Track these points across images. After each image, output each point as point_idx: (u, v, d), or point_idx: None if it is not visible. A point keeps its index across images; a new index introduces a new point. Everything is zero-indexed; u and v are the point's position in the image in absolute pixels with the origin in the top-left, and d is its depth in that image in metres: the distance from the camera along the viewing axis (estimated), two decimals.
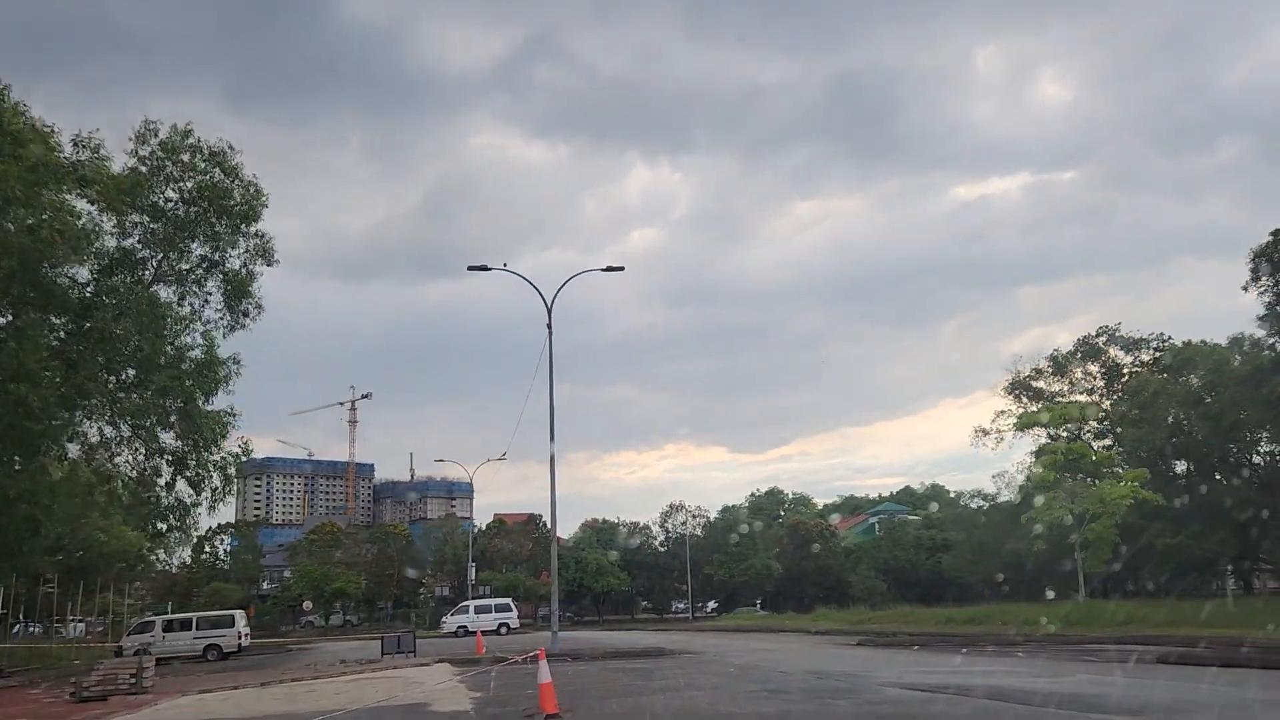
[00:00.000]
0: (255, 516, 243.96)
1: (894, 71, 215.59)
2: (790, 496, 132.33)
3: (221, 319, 33.51)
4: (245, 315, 33.80)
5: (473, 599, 62.14)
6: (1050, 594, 71.84)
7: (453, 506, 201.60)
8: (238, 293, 32.93)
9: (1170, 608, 36.98)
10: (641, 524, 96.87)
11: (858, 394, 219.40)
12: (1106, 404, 73.48)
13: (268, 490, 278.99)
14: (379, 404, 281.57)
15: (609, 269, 31.84)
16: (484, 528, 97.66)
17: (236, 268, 33.15)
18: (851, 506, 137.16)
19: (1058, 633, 32.63)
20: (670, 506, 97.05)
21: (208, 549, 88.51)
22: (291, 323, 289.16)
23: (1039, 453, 77.75)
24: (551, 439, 31.53)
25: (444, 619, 59.36)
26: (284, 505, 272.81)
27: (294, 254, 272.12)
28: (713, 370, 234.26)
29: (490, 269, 31.62)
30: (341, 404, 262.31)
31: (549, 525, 35.54)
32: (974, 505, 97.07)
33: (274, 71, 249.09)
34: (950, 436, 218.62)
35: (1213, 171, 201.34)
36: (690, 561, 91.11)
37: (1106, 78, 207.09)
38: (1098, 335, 75.81)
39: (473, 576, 62.75)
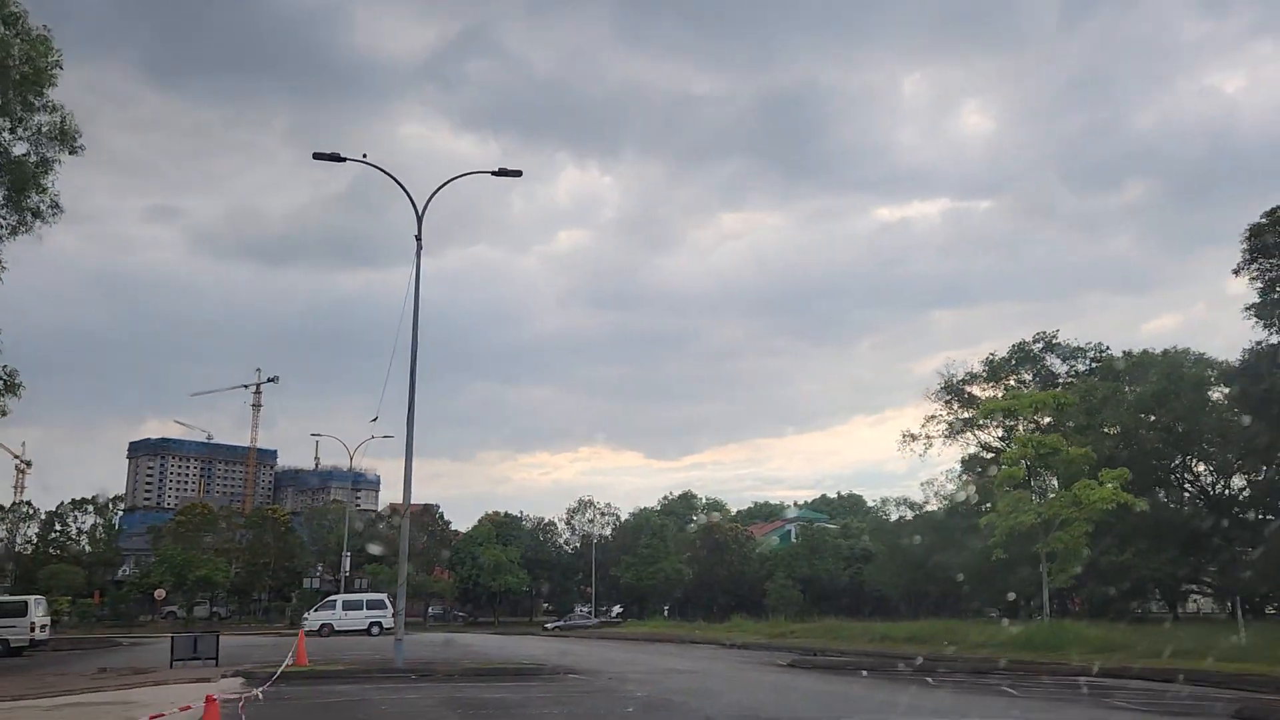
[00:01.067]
0: (146, 500, 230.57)
1: (823, 92, 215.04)
2: (704, 501, 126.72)
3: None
4: (36, 216, 26.02)
5: (343, 594, 54.40)
6: (995, 612, 67.00)
7: (358, 499, 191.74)
8: (19, 184, 25.12)
9: (1142, 632, 31.51)
10: (546, 520, 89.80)
11: (771, 406, 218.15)
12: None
13: (161, 472, 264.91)
14: (290, 392, 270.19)
15: (501, 172, 24.84)
16: (374, 516, 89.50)
17: (22, 152, 25.35)
18: (766, 514, 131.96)
19: (1029, 660, 26.72)
20: (579, 503, 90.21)
21: (58, 526, 78.78)
22: (202, 303, 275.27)
23: (969, 462, 73.32)
24: (412, 384, 24.47)
25: (305, 615, 51.57)
26: (178, 489, 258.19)
27: (209, 233, 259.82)
28: (631, 376, 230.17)
29: (345, 159, 24.47)
30: (246, 387, 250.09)
31: (404, 509, 28.23)
32: (895, 516, 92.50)
33: (198, 44, 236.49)
34: (859, 452, 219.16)
35: (1119, 210, 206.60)
36: (597, 563, 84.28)
37: (1025, 113, 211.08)
38: (1034, 341, 71.26)
39: (347, 568, 55.16)
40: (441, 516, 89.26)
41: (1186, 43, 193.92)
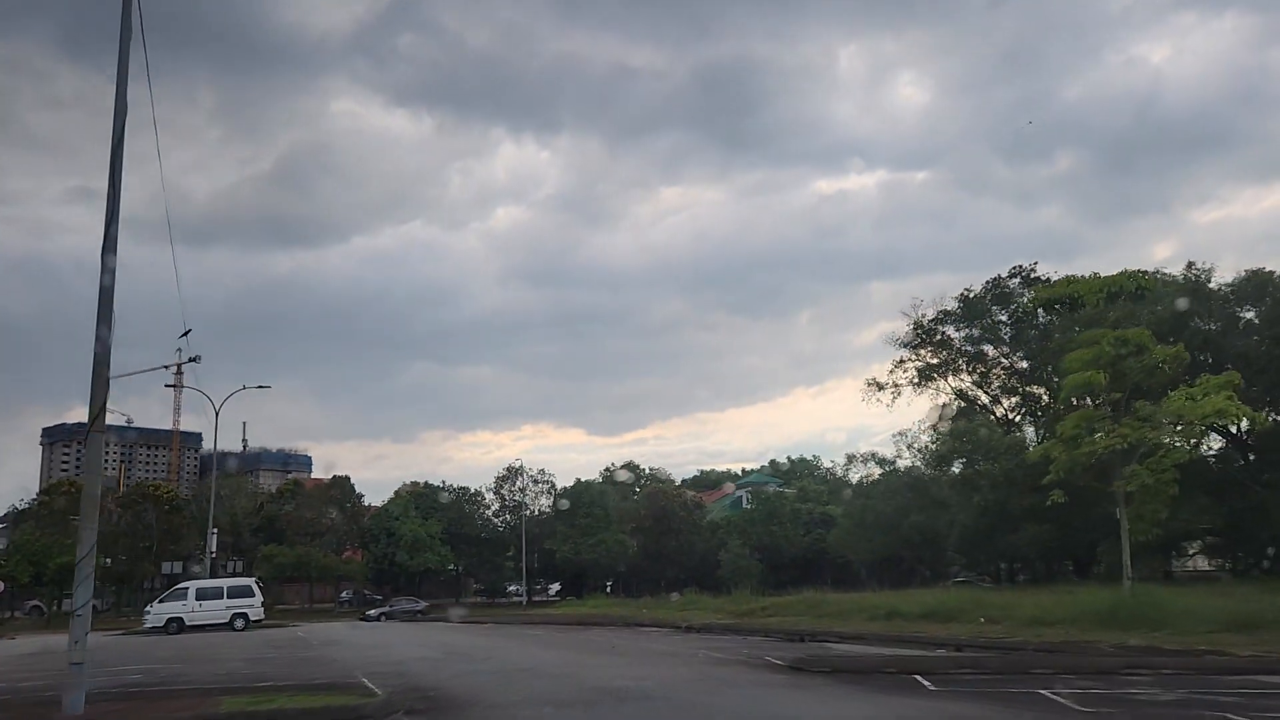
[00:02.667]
0: None
1: (760, 64, 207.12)
2: (647, 471, 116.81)
3: None
4: None
5: (197, 580, 43.29)
6: (985, 579, 58.26)
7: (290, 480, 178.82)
8: None
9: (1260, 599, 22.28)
10: (473, 490, 79.04)
11: (712, 380, 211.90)
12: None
13: (78, 460, 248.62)
14: (219, 375, 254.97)
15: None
16: (275, 491, 78.08)
17: None
18: (711, 482, 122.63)
19: (1142, 646, 17.22)
20: (508, 470, 79.46)
21: None
22: (126, 287, 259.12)
23: (943, 411, 64.25)
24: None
25: (148, 609, 40.64)
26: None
27: (134, 215, 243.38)
28: (571, 353, 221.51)
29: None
30: (166, 368, 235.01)
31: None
32: (857, 478, 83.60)
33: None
34: (802, 424, 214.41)
35: (1049, 181, 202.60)
36: (531, 537, 73.94)
37: (958, 85, 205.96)
38: (1010, 276, 62.27)
39: (213, 547, 44.22)
40: (354, 489, 78.11)
41: (1113, 14, 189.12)
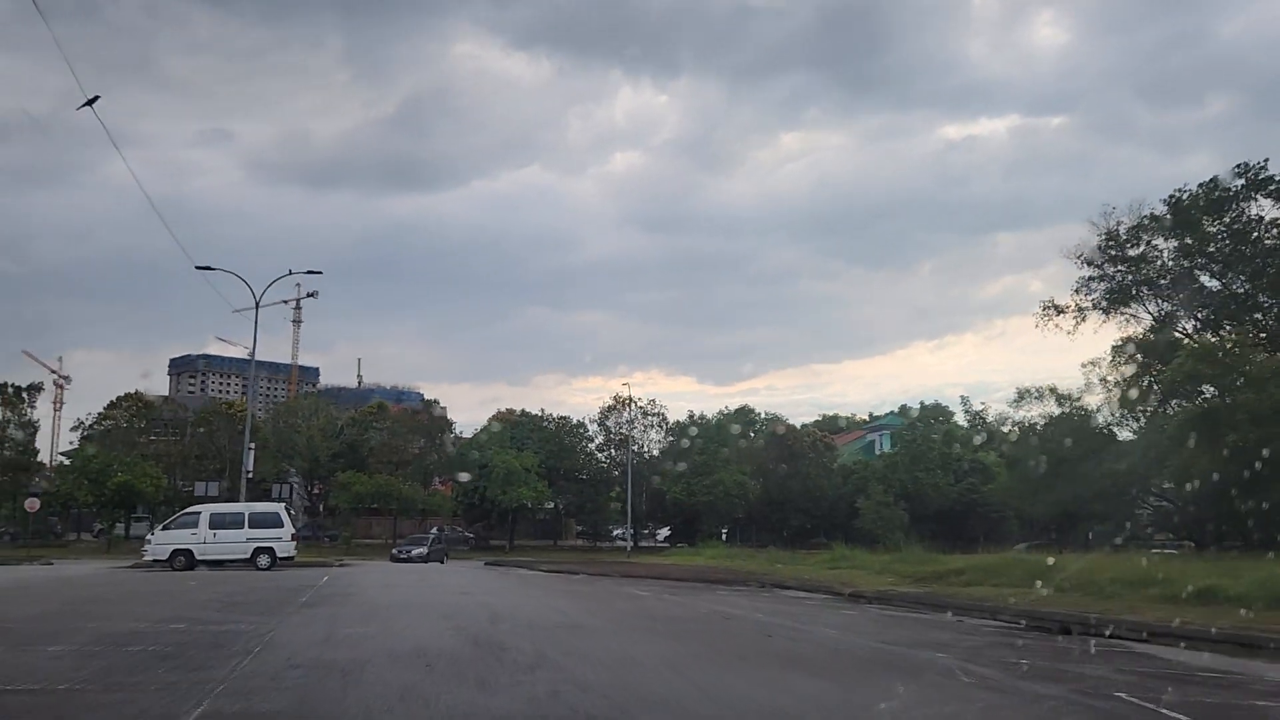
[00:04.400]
0: None
1: (888, 2, 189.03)
2: (763, 416, 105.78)
3: None
4: None
5: (212, 505, 34.38)
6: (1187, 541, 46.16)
7: None
8: None
9: None
10: (574, 422, 69.73)
11: (828, 331, 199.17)
12: None
13: (202, 389, 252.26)
14: (338, 313, 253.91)
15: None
16: (355, 414, 70.20)
17: None
18: (832, 429, 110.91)
19: None
20: (615, 400, 69.78)
21: None
22: (254, 227, 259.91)
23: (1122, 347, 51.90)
24: None
25: (148, 537, 32.09)
26: None
27: (261, 157, 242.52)
28: (685, 300, 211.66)
29: None
30: (286, 302, 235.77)
31: None
32: (1024, 416, 70.94)
33: None
34: (919, 377, 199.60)
35: (1198, 126, 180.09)
36: (637, 475, 64.41)
37: (1102, 24, 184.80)
38: (1236, 176, 48.66)
39: (249, 465, 35.70)
40: (445, 416, 69.76)
41: None
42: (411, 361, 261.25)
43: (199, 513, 30.85)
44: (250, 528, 30.30)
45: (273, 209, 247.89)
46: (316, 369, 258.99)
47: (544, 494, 62.69)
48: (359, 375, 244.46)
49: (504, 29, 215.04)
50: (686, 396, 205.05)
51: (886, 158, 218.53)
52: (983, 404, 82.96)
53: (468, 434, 71.76)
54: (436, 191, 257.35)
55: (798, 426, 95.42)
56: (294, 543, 30.88)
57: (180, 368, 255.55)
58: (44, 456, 72.32)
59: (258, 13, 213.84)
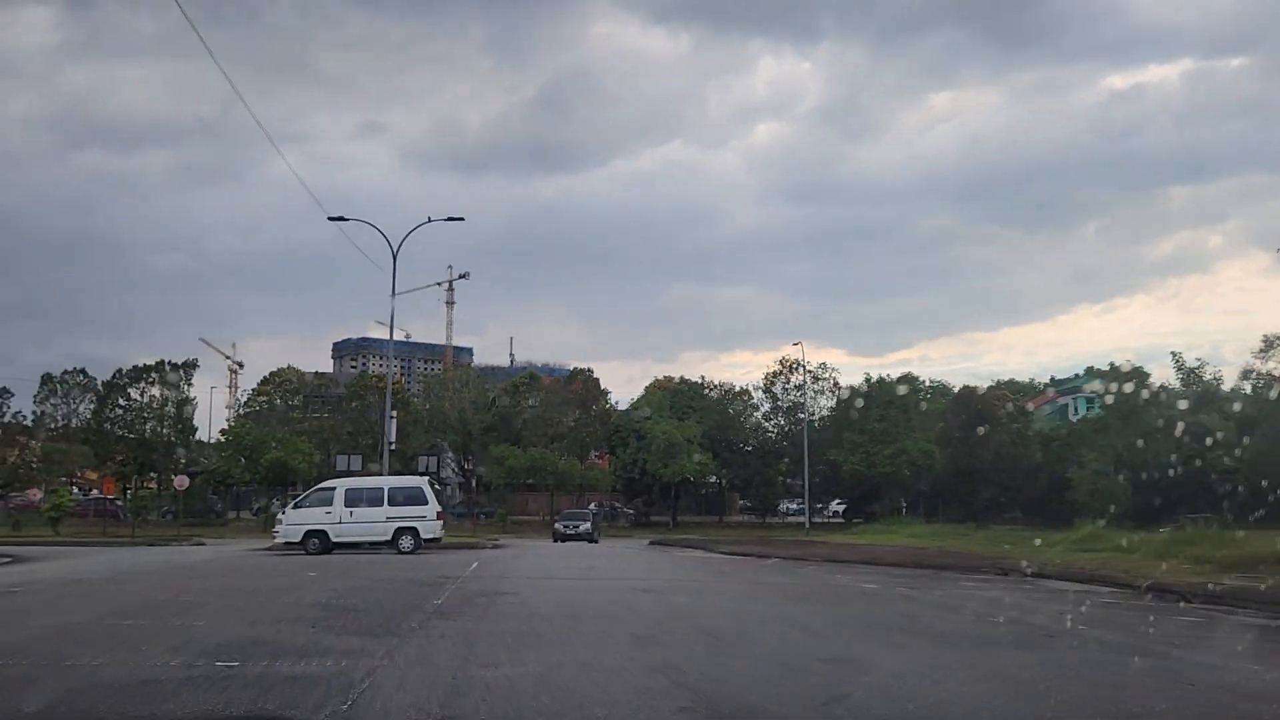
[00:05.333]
0: None
1: None
2: (927, 383, 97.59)
3: None
4: None
5: (347, 479, 30.35)
6: None
7: None
8: None
9: None
10: (739, 388, 64.38)
11: (984, 298, 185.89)
12: None
13: (363, 371, 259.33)
14: (488, 296, 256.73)
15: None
16: (509, 385, 66.88)
17: None
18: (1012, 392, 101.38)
19: None
20: (782, 364, 63.97)
21: (122, 401, 60.14)
22: (407, 215, 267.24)
23: None
24: None
25: (280, 516, 28.35)
26: None
27: (414, 147, 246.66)
28: (832, 271, 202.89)
29: None
30: (439, 284, 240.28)
31: None
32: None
33: None
34: (1085, 344, 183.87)
35: None
36: (809, 444, 58.61)
37: None
38: None
39: (391, 436, 32.01)
40: (599, 385, 65.67)
41: None
42: (562, 340, 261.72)
43: (333, 488, 27.11)
44: (390, 505, 26.37)
45: (426, 196, 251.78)
46: (470, 349, 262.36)
47: (708, 466, 57.74)
48: (511, 354, 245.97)
49: (640, 5, 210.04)
50: (839, 369, 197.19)
51: (1043, 114, 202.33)
52: (1199, 360, 72.63)
53: (622, 408, 67.64)
54: (580, 172, 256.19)
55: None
56: (439, 522, 26.84)
57: (343, 351, 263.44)
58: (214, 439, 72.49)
59: (404, 7, 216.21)
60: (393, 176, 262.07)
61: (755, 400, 64.47)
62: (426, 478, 28.43)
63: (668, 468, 56.29)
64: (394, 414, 34.23)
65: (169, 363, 60.12)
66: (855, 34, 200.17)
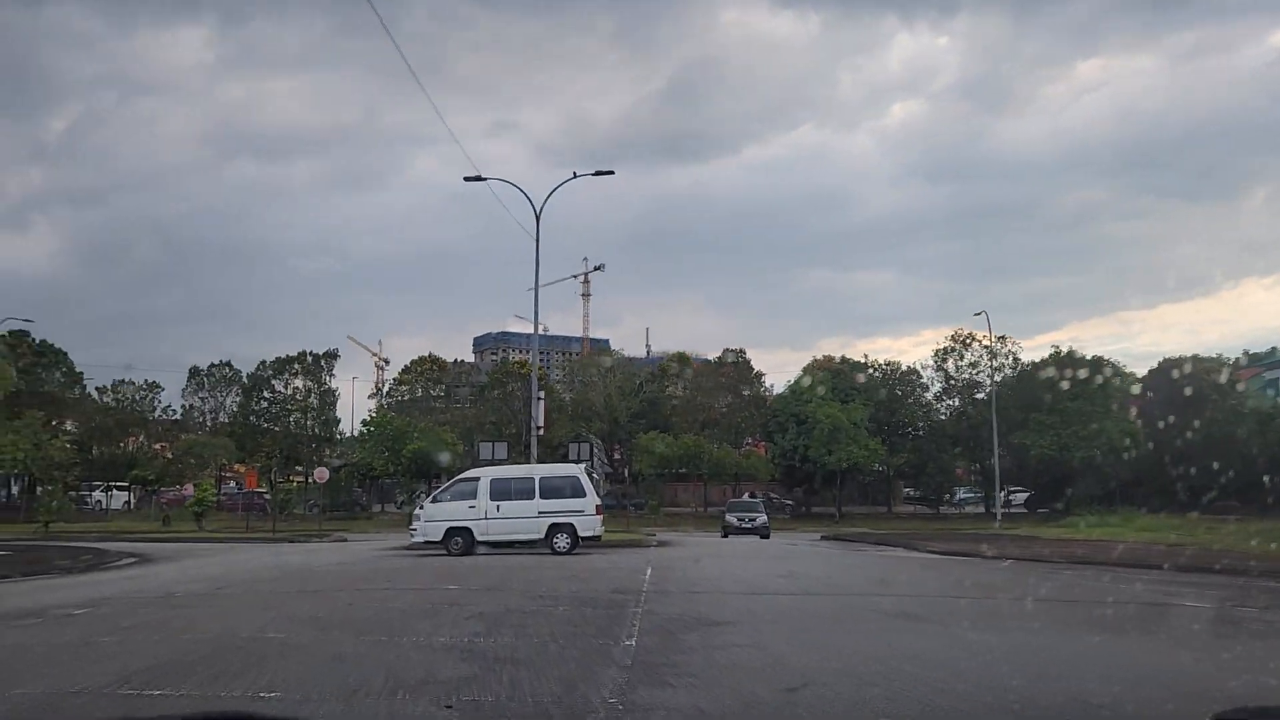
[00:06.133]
0: None
1: None
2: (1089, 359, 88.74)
3: None
4: None
5: (493, 468, 26.37)
6: None
7: None
8: None
9: None
10: (904, 368, 58.54)
11: (1138, 275, 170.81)
12: None
13: (503, 363, 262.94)
14: (622, 288, 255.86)
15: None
16: (656, 369, 62.84)
17: None
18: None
19: None
20: (954, 338, 57.83)
21: (266, 394, 58.98)
22: (545, 212, 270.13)
23: None
24: None
25: (416, 511, 24.53)
26: None
27: (545, 143, 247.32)
28: (973, 252, 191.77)
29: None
30: (575, 277, 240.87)
31: None
32: None
33: None
34: (1253, 319, 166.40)
35: None
36: (976, 425, 52.43)
37: None
38: None
39: (539, 419, 28.37)
40: (751, 368, 60.89)
41: None
42: (697, 331, 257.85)
43: (477, 479, 23.37)
44: (542, 498, 22.49)
45: (559, 191, 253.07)
46: (607, 340, 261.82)
47: (878, 452, 52.29)
48: (647, 345, 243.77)
49: None
50: (1019, 343, 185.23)
51: (1202, 77, 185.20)
52: None
53: (777, 390, 62.68)
54: (710, 160, 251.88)
55: (1135, 374, 78.77)
56: (599, 516, 22.84)
57: (483, 345, 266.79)
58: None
59: (533, 6, 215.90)
60: (527, 172, 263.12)
61: (924, 379, 58.53)
62: (583, 465, 24.43)
63: (832, 454, 51.19)
64: (541, 394, 30.54)
65: (310, 353, 58.59)
66: (994, 4, 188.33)
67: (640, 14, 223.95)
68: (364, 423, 53.71)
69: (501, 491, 22.82)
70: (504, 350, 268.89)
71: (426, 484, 55.82)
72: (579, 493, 22.67)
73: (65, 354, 56.90)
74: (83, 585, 16.12)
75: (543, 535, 22.39)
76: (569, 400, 57.69)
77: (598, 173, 30.95)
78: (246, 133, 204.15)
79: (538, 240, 30.17)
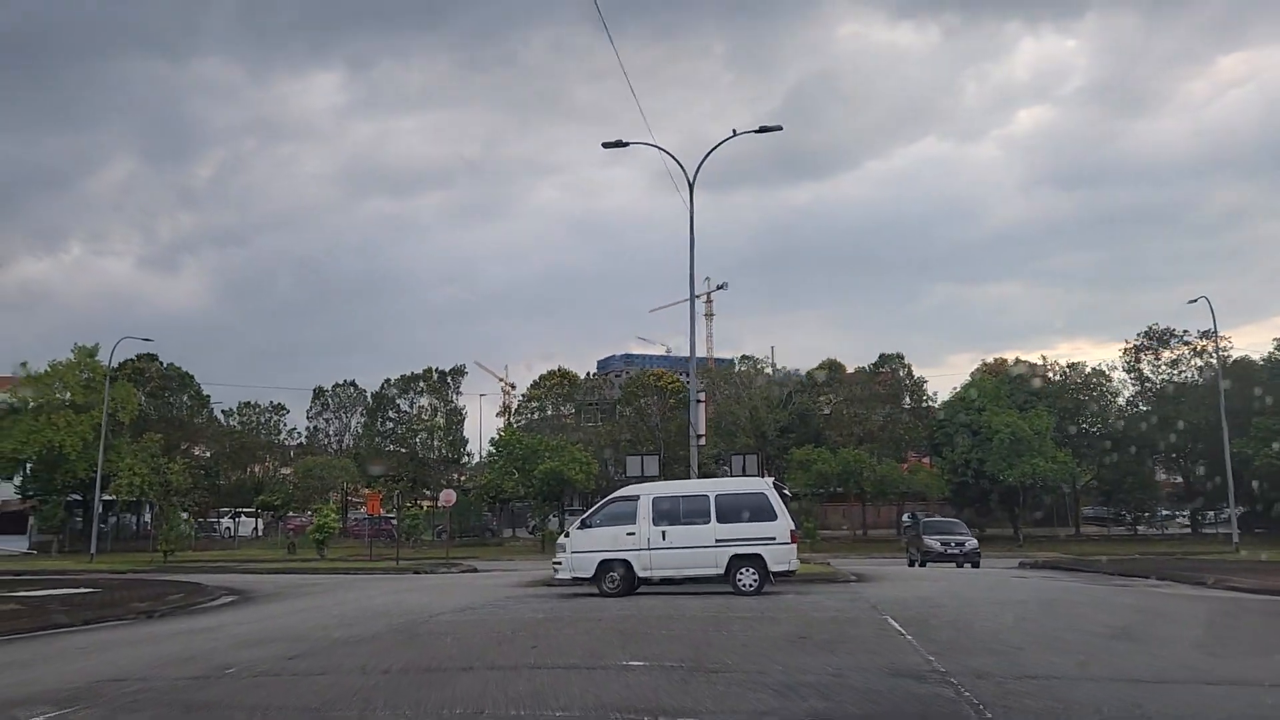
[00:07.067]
0: None
1: None
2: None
3: None
4: None
5: (659, 483, 21.26)
6: None
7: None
8: None
9: None
10: (1089, 369, 51.19)
11: None
12: None
13: (639, 376, 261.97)
14: (745, 308, 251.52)
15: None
16: (806, 376, 57.07)
17: None
18: None
19: None
20: (1147, 336, 50.23)
21: (391, 414, 55.82)
22: (661, 233, 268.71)
23: None
24: None
25: (562, 539, 19.52)
26: None
27: (663, 167, 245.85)
28: (1109, 260, 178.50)
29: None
30: (697, 297, 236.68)
31: None
32: None
33: None
34: None
35: None
36: (1189, 431, 44.82)
37: None
38: None
39: (700, 428, 23.37)
40: (911, 373, 54.51)
41: None
42: (822, 349, 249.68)
43: (635, 498, 18.35)
44: (719, 521, 17.47)
45: (676, 217, 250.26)
46: (731, 360, 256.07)
47: (1066, 464, 45.25)
48: (772, 363, 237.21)
49: (885, 1, 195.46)
50: (1229, 338, 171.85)
51: None
52: None
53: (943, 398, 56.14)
54: (830, 176, 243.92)
55: None
56: (793, 545, 17.58)
57: (607, 368, 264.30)
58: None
59: (648, 33, 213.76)
60: (644, 197, 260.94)
61: (1112, 383, 51.09)
62: (771, 480, 19.12)
63: (1013, 468, 44.51)
64: (701, 396, 25.52)
65: (437, 369, 55.22)
66: (1124, 3, 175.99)
67: (755, 34, 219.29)
68: (492, 441, 49.86)
69: (668, 514, 17.77)
70: (627, 373, 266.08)
71: (559, 507, 51.48)
72: (767, 514, 17.38)
73: (192, 377, 55.12)
74: (120, 646, 11.84)
75: (722, 570, 17.23)
76: (712, 413, 52.68)
77: (762, 129, 25.91)
78: (377, 170, 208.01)
79: (691, 213, 25.30)
